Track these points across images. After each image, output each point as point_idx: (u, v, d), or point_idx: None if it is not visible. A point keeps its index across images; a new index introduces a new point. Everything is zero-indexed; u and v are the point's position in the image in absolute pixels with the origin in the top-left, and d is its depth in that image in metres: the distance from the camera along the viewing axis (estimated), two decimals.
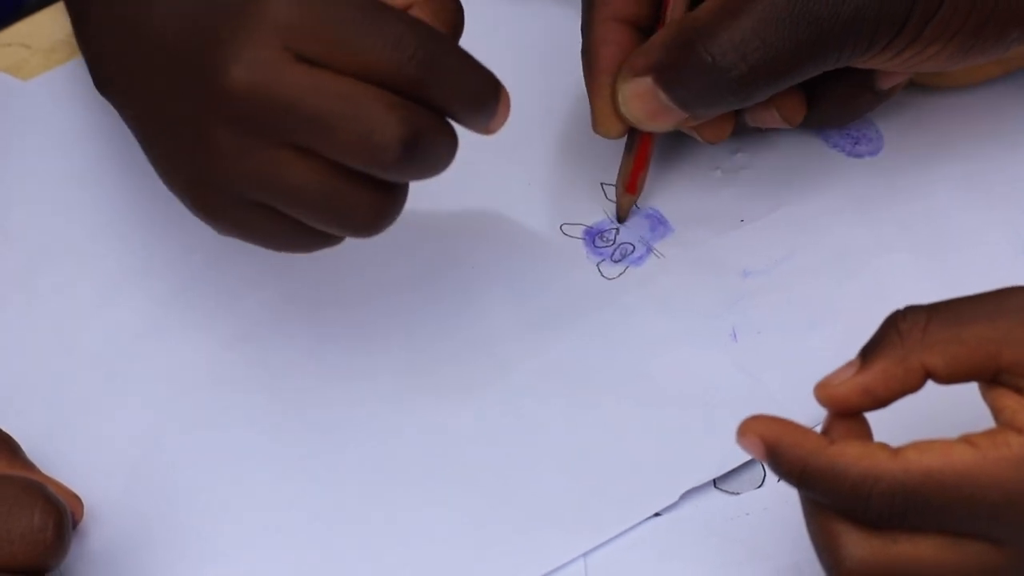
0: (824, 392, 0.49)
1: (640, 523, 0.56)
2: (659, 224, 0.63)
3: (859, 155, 0.65)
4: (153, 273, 0.63)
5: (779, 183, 0.64)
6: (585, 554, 0.55)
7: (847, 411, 0.49)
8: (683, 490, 0.56)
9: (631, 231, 0.63)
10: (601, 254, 0.62)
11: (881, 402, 0.48)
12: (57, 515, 0.50)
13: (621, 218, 0.62)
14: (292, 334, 0.61)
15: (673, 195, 0.64)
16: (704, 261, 0.62)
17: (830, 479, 0.47)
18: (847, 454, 0.47)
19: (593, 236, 0.63)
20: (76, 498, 0.55)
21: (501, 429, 0.58)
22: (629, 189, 0.62)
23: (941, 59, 0.57)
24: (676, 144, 0.65)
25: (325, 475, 0.57)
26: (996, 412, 0.48)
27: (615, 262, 0.62)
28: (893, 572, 0.47)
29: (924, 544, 0.47)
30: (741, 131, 0.63)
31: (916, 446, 0.47)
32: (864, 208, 0.63)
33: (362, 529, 0.56)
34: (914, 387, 0.48)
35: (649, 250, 0.63)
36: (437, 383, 0.60)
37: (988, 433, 0.47)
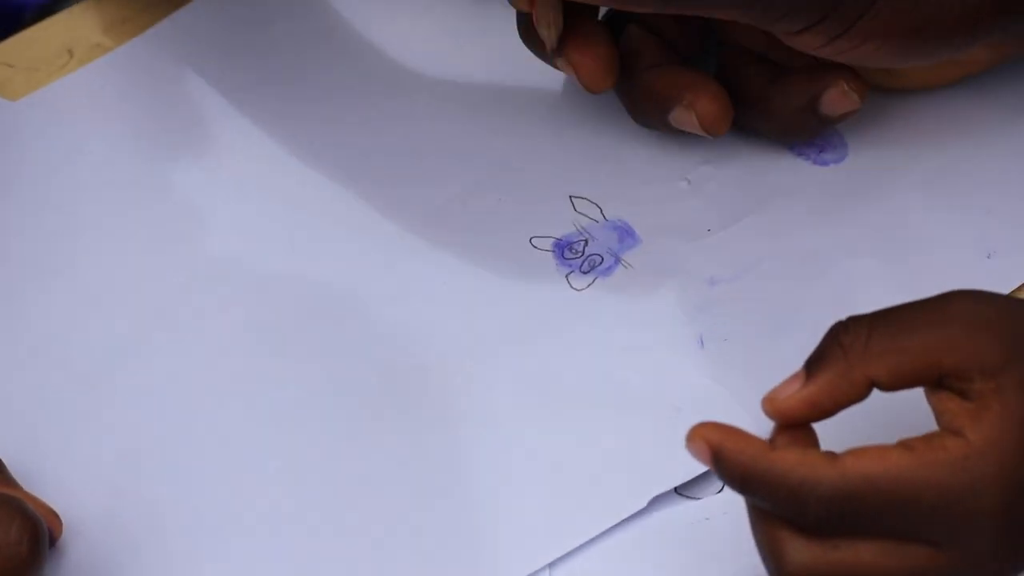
0: (771, 406, 0.50)
1: (605, 530, 0.56)
2: (627, 235, 0.64)
3: (824, 163, 0.66)
4: (137, 290, 0.65)
5: (745, 192, 0.65)
6: (551, 564, 0.56)
7: (793, 423, 0.50)
8: (651, 496, 0.56)
9: (600, 243, 0.64)
10: (570, 266, 0.63)
11: (826, 413, 0.49)
12: (33, 529, 0.51)
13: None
14: (273, 350, 0.62)
15: (640, 206, 0.65)
16: (671, 270, 0.63)
17: (770, 484, 0.48)
18: (786, 460, 0.48)
19: (562, 248, 0.64)
20: (54, 515, 0.56)
21: (471, 440, 0.59)
22: None
23: (882, 56, 0.58)
24: (643, 155, 0.66)
25: (306, 491, 0.58)
26: (938, 415, 0.49)
27: (584, 273, 0.63)
28: (832, 574, 0.48)
29: (865, 549, 0.48)
30: (707, 141, 0.64)
31: (853, 452, 0.48)
32: (830, 215, 0.64)
33: (336, 541, 0.57)
34: (859, 398, 0.49)
35: (617, 261, 0.63)
36: (409, 395, 0.60)
37: (926, 437, 0.48)
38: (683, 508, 0.57)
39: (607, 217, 0.65)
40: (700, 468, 0.57)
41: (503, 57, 0.69)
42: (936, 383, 0.49)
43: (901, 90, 0.66)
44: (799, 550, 0.49)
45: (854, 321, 0.50)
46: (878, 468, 0.47)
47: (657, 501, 0.57)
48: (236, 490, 0.59)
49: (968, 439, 0.48)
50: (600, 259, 0.63)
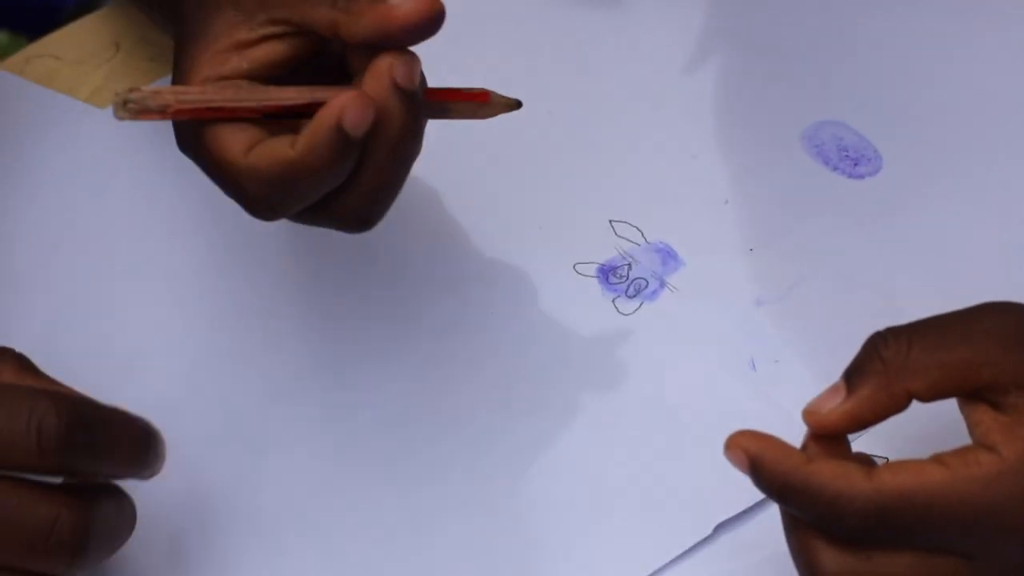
0: (813, 419, 0.50)
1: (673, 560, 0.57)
2: (670, 258, 0.64)
3: (859, 176, 0.67)
4: (164, 285, 0.66)
5: (784, 209, 0.66)
6: None
7: (835, 435, 0.50)
8: (716, 523, 0.57)
9: (643, 266, 0.64)
10: (615, 290, 0.64)
11: (867, 426, 0.50)
12: (61, 415, 0.49)
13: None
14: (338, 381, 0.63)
15: (681, 227, 0.65)
16: (717, 292, 0.63)
17: (807, 496, 0.49)
18: (824, 472, 0.49)
19: (606, 273, 0.64)
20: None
21: (526, 467, 0.59)
22: None
23: None
24: (680, 176, 0.67)
25: (352, 515, 0.59)
26: (971, 427, 0.50)
27: (630, 297, 0.63)
28: None
29: (899, 561, 0.49)
30: (743, 161, 0.65)
31: (890, 466, 0.48)
32: (868, 228, 0.65)
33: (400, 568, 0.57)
34: (898, 410, 0.50)
35: (662, 284, 0.64)
36: (464, 426, 0.61)
37: (959, 452, 0.49)
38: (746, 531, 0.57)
39: (648, 240, 0.65)
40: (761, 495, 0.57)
41: (539, 94, 0.69)
42: (972, 394, 0.50)
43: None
44: (833, 559, 0.49)
45: (893, 334, 0.50)
46: (914, 483, 0.48)
47: (722, 528, 0.57)
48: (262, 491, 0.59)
49: (1002, 455, 0.48)
50: (645, 283, 0.64)
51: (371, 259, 0.65)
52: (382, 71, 0.52)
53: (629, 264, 0.64)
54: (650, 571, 0.57)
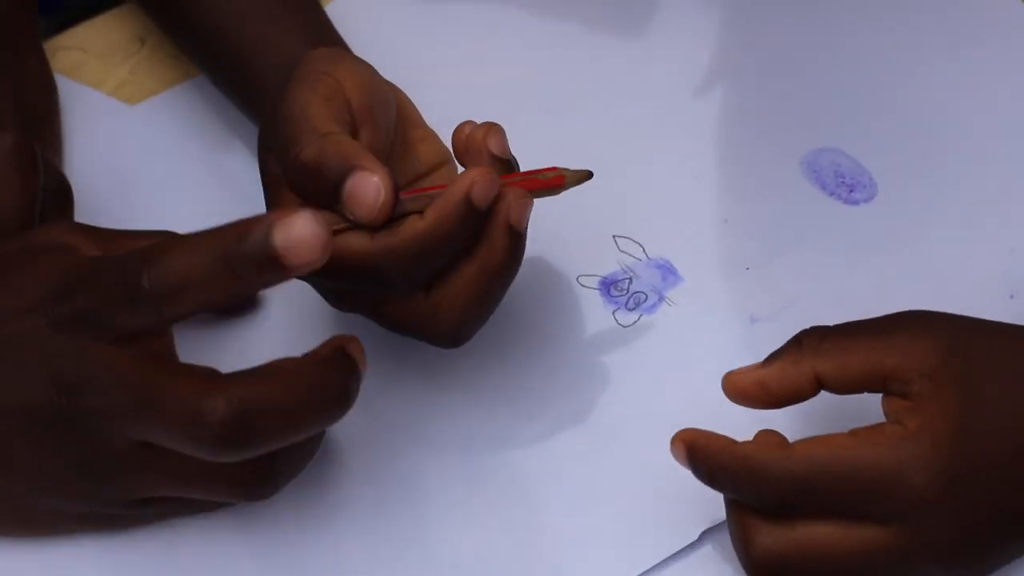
0: (727, 381, 0.55)
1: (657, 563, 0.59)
2: (669, 273, 0.66)
3: (855, 202, 0.69)
4: None
5: (781, 231, 0.68)
6: None
7: (745, 401, 0.55)
8: (702, 529, 0.59)
9: (644, 281, 0.66)
10: (616, 303, 0.66)
11: (774, 397, 0.54)
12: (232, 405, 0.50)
13: None
14: None
15: (681, 244, 0.67)
16: (713, 308, 0.65)
17: (731, 471, 0.53)
18: (746, 448, 0.53)
19: (608, 286, 0.66)
20: None
21: (525, 472, 0.61)
22: None
23: None
24: (682, 195, 0.68)
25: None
26: (886, 416, 0.54)
27: (630, 310, 0.65)
28: (794, 556, 0.53)
29: (819, 528, 0.52)
30: (745, 182, 0.67)
31: (804, 440, 0.53)
32: (862, 253, 0.67)
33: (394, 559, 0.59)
34: (805, 390, 0.54)
35: (661, 298, 0.66)
36: (465, 429, 0.62)
37: (870, 426, 0.53)
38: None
39: (649, 256, 0.67)
40: None
41: (544, 108, 0.71)
42: (883, 387, 0.53)
43: None
44: (762, 533, 0.53)
45: (815, 327, 0.55)
46: (824, 451, 0.52)
47: (708, 534, 0.59)
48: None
49: (905, 425, 0.52)
50: (645, 296, 0.66)
51: None
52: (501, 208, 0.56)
53: (630, 278, 0.67)
54: (639, 572, 0.59)
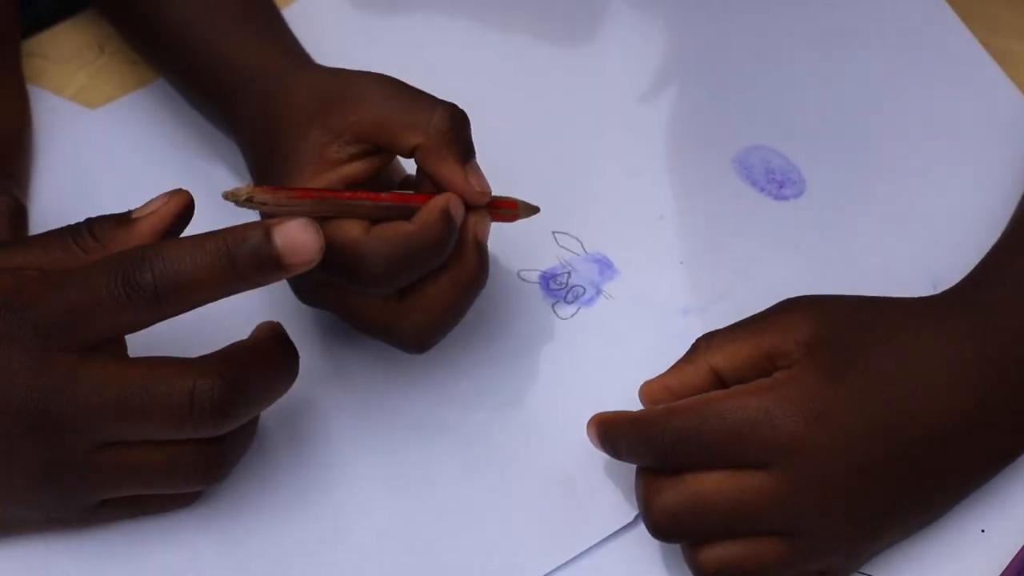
0: (641, 392, 0.60)
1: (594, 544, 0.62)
2: (606, 267, 0.69)
3: (784, 197, 0.71)
4: None
5: (713, 226, 0.70)
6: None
7: (656, 404, 0.59)
8: (638, 511, 0.61)
9: (582, 275, 0.69)
10: (555, 296, 0.69)
11: (678, 395, 0.59)
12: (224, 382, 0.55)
13: None
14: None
15: (618, 240, 0.70)
16: (648, 301, 0.68)
17: (626, 436, 0.58)
18: (637, 414, 0.58)
19: (547, 280, 0.69)
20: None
21: (469, 458, 0.64)
22: None
23: None
24: (620, 192, 0.71)
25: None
26: None
27: (568, 303, 0.68)
28: (686, 506, 0.56)
29: (707, 478, 0.56)
30: (679, 180, 0.69)
31: (689, 398, 0.58)
32: (791, 247, 0.70)
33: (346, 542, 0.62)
34: (704, 384, 0.58)
35: (599, 292, 0.69)
36: (413, 416, 0.65)
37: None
38: None
39: (587, 251, 0.70)
40: None
41: (488, 98, 0.73)
42: (773, 368, 0.57)
43: None
44: (658, 490, 0.57)
45: (710, 332, 0.60)
46: (699, 403, 0.57)
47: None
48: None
49: (775, 378, 0.56)
50: (583, 290, 0.69)
51: None
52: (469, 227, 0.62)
53: (569, 272, 0.69)
54: (579, 551, 0.61)
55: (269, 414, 0.62)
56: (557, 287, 0.69)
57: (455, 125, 0.61)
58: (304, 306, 0.64)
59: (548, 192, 0.67)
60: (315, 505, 0.63)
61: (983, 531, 0.61)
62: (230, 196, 0.58)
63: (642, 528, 0.60)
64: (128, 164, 0.75)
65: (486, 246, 0.62)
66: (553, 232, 0.70)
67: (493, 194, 0.62)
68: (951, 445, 0.57)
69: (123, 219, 0.58)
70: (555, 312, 0.68)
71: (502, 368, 0.66)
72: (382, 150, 0.62)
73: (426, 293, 0.61)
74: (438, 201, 0.60)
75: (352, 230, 0.59)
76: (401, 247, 0.59)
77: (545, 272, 0.69)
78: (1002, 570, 0.61)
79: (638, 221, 0.71)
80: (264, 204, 0.58)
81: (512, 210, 0.64)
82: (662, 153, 0.73)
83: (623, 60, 0.77)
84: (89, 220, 0.58)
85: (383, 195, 0.61)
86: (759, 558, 0.56)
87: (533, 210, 0.65)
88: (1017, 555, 0.61)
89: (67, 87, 0.79)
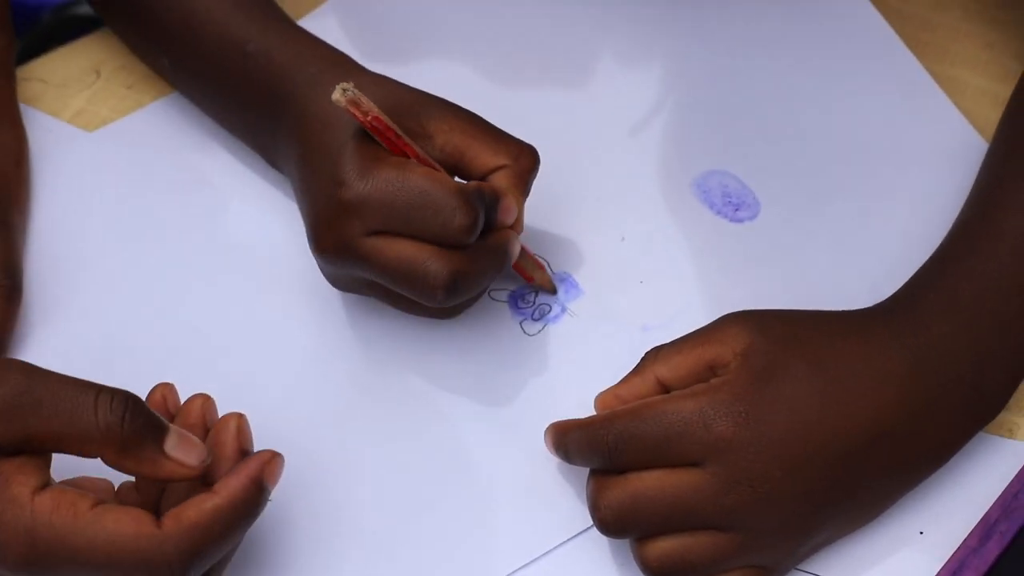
0: (596, 401, 0.64)
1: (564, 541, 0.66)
2: (572, 287, 0.73)
3: (740, 220, 0.75)
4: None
5: (672, 247, 0.74)
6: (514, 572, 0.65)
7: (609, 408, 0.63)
8: None
9: (547, 294, 0.73)
10: (523, 314, 0.72)
11: (627, 403, 0.63)
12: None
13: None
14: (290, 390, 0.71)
15: (583, 261, 0.73)
16: (610, 318, 0.71)
17: (574, 440, 0.62)
18: (584, 420, 0.62)
19: (516, 299, 0.72)
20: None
21: (439, 465, 0.68)
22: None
23: None
24: (584, 215, 0.74)
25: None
26: None
27: (535, 320, 0.72)
28: (628, 503, 0.60)
29: (647, 477, 0.60)
30: (640, 203, 0.73)
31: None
32: (745, 267, 0.73)
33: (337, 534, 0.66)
34: (650, 392, 0.63)
35: (564, 310, 0.72)
36: (386, 427, 0.69)
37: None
38: None
39: (553, 271, 0.73)
40: None
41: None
42: (713, 376, 0.62)
43: None
44: (604, 488, 0.61)
45: (658, 345, 0.64)
46: (640, 405, 0.61)
47: None
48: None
49: (710, 383, 0.61)
50: (549, 308, 0.72)
51: (315, 281, 0.71)
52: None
53: (536, 292, 0.73)
54: (541, 552, 0.65)
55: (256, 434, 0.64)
56: (525, 305, 0.72)
57: (535, 167, 0.67)
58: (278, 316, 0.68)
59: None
60: (290, 509, 0.66)
61: (921, 533, 0.65)
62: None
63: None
64: (123, 185, 0.77)
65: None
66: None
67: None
68: (877, 447, 0.61)
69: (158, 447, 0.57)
70: (523, 329, 0.72)
71: (472, 380, 0.70)
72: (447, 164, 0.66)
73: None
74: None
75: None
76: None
77: (514, 291, 0.73)
78: (938, 571, 0.64)
79: (601, 242, 0.74)
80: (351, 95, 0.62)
81: (541, 281, 0.71)
82: (625, 177, 0.76)
83: (593, 94, 0.80)
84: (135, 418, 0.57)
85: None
86: (698, 551, 0.60)
87: (549, 286, 0.71)
88: (952, 556, 0.65)
89: (65, 110, 0.81)
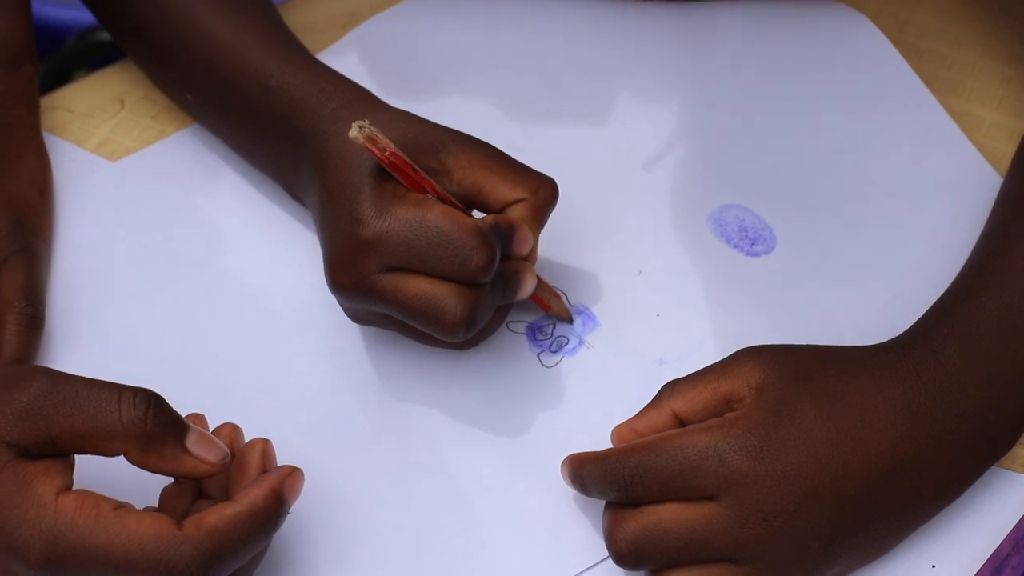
0: (613, 434, 0.65)
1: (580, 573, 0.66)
2: (589, 320, 0.74)
3: (756, 254, 0.75)
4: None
5: (688, 281, 0.74)
6: None
7: (624, 443, 0.64)
8: None
9: (566, 326, 0.73)
10: (541, 346, 0.73)
11: (643, 437, 0.64)
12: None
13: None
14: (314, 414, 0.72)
15: (601, 294, 0.74)
16: (627, 351, 0.72)
17: (591, 472, 0.63)
18: (600, 453, 0.63)
19: (534, 331, 0.73)
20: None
21: (461, 494, 0.68)
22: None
23: None
24: (601, 249, 0.75)
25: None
26: None
27: (553, 352, 0.73)
28: (644, 536, 0.61)
29: (663, 510, 0.61)
30: (658, 238, 0.74)
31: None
32: (761, 301, 0.73)
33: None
34: (666, 425, 0.64)
35: (581, 342, 0.73)
36: (412, 455, 0.70)
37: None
38: None
39: (571, 304, 0.74)
40: None
41: None
42: (729, 411, 0.63)
43: None
44: (620, 521, 0.62)
45: (674, 379, 0.65)
46: (656, 439, 0.62)
47: None
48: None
49: (726, 417, 0.62)
50: (566, 340, 0.73)
51: (334, 313, 0.72)
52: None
53: (554, 324, 0.73)
54: None
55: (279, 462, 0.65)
56: (543, 338, 0.73)
57: (554, 199, 0.67)
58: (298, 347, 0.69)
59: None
60: (309, 535, 0.67)
61: (934, 566, 0.65)
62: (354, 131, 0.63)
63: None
64: (145, 215, 0.79)
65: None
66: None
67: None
68: (889, 482, 0.62)
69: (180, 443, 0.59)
70: (540, 361, 0.72)
71: (490, 411, 0.71)
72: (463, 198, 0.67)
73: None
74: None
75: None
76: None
77: (532, 324, 0.73)
78: None
79: (619, 276, 0.74)
80: (368, 133, 0.63)
81: (557, 309, 0.72)
82: (642, 212, 0.77)
83: (611, 129, 0.81)
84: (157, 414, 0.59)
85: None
86: None
87: (565, 314, 0.72)
88: None
89: (89, 139, 0.82)
